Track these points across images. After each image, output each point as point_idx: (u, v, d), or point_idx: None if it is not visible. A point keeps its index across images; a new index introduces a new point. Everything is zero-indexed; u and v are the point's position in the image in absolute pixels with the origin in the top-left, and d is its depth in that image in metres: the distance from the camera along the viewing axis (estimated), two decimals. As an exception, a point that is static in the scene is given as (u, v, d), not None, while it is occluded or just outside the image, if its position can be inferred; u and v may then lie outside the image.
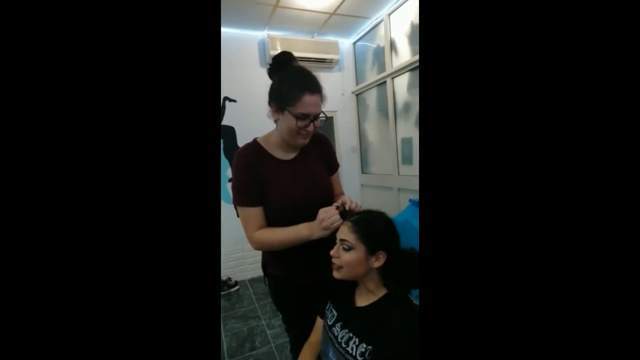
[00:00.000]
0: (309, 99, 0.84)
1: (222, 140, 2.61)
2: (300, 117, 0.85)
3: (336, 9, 2.39)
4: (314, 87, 0.85)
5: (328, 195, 1.00)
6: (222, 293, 2.49)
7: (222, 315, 2.17)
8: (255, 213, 0.91)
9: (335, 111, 3.05)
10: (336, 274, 0.76)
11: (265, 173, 0.91)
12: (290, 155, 0.96)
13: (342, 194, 1.11)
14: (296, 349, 1.08)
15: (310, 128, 0.89)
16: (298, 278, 1.00)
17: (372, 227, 0.75)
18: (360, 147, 3.13)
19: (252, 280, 2.72)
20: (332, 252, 0.76)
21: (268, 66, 0.92)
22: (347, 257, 0.74)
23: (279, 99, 0.86)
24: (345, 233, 0.75)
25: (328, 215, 0.81)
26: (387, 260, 0.74)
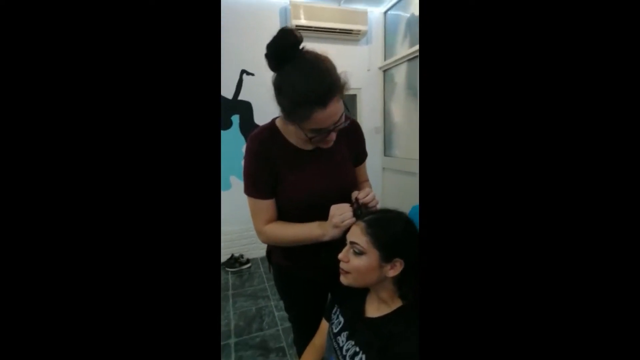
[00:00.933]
0: (320, 115, 0.64)
1: (238, 116, 2.51)
2: (313, 132, 0.69)
3: (367, -28, 2.14)
4: (327, 96, 0.63)
5: (351, 190, 0.87)
6: (233, 270, 2.49)
7: (231, 292, 2.17)
8: (267, 206, 0.81)
9: (360, 88, 2.85)
10: (343, 280, 0.66)
11: (280, 163, 0.79)
12: (310, 145, 0.82)
13: (367, 181, 0.99)
14: (298, 342, 1.02)
15: (331, 137, 0.73)
16: (303, 270, 0.91)
17: (389, 230, 0.62)
18: (384, 128, 2.94)
19: (264, 259, 2.70)
20: (340, 256, 0.65)
21: (265, 55, 0.66)
22: (356, 263, 0.62)
23: (283, 110, 0.69)
24: (357, 235, 0.63)
25: (339, 211, 0.69)
26: (405, 270, 0.62)
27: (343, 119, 0.70)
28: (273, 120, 0.84)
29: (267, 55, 0.65)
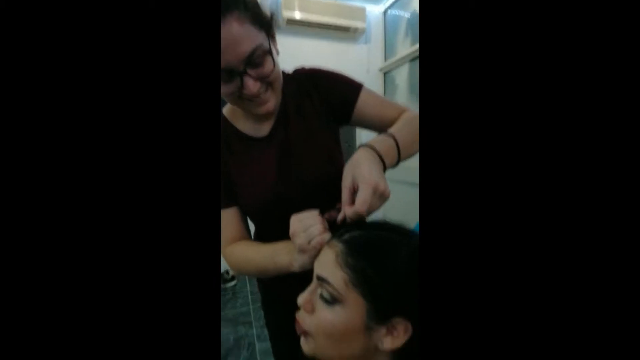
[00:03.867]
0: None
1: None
2: (223, 72, 0.49)
3: (366, -38, 1.96)
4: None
5: (333, 174, 0.60)
6: (214, 289, 2.24)
7: (208, 317, 1.92)
8: (227, 217, 0.60)
9: (358, 91, 2.65)
10: (304, 346, 0.41)
11: (231, 159, 0.60)
12: (264, 128, 0.62)
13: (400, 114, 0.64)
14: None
15: (248, 86, 0.50)
16: (291, 292, 0.68)
17: (387, 263, 0.38)
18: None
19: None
20: (299, 300, 0.41)
21: None
22: (326, 317, 0.38)
23: None
24: (328, 266, 0.39)
25: (302, 224, 0.45)
26: (412, 339, 0.37)
27: (266, 67, 0.51)
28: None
29: None
